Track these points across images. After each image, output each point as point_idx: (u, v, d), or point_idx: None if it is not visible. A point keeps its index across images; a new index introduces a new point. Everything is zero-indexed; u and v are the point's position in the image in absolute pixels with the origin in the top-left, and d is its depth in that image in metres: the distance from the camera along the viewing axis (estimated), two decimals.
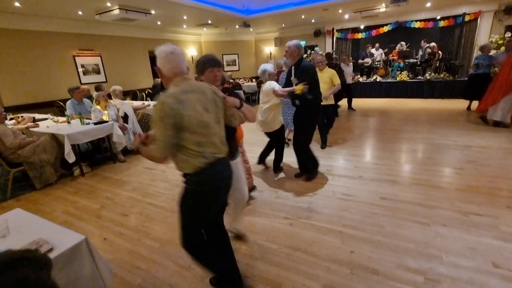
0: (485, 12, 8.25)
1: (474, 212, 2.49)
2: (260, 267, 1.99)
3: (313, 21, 10.01)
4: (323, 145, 4.56)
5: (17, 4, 5.13)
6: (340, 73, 5.76)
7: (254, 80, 11.07)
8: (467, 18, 8.46)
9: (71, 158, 3.76)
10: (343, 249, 2.13)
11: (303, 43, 11.49)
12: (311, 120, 3.16)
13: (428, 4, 8.16)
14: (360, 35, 10.34)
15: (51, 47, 6.62)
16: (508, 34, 7.46)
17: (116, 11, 5.89)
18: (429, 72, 8.71)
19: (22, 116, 4.76)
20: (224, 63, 12.45)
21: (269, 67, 3.35)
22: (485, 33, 8.34)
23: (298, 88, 2.82)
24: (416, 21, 9.16)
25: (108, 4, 5.73)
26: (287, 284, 1.83)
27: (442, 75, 8.47)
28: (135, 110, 5.27)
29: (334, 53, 10.64)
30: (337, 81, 4.22)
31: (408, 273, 1.85)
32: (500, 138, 4.39)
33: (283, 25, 10.78)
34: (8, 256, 0.52)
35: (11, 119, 4.75)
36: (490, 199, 2.69)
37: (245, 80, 10.81)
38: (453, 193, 2.86)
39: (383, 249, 2.09)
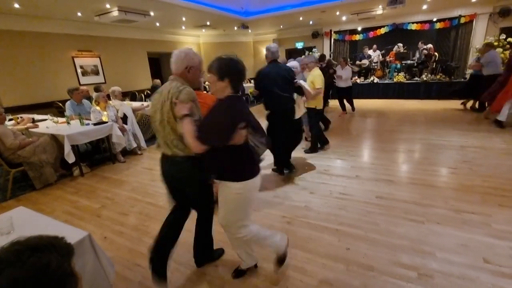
0: (480, 15, 8.37)
1: (467, 210, 2.55)
2: (258, 264, 2.04)
3: (311, 22, 10.10)
4: (309, 150, 4.37)
5: (16, 5, 5.17)
6: (326, 76, 5.81)
7: (252, 81, 11.12)
8: (462, 20, 8.57)
9: (71, 158, 3.79)
10: (340, 247, 2.18)
11: (300, 44, 11.60)
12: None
13: (425, 7, 8.26)
14: (357, 37, 10.44)
15: (50, 48, 6.65)
16: (502, 36, 7.58)
17: (116, 13, 5.93)
18: (425, 74, 8.81)
19: (21, 117, 4.78)
20: None
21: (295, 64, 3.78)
22: (480, 35, 8.46)
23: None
24: (413, 23, 9.27)
25: (108, 6, 5.77)
26: (284, 280, 1.88)
27: (438, 77, 8.58)
28: (134, 111, 5.31)
29: (331, 55, 10.75)
30: (318, 84, 3.86)
31: (402, 269, 1.91)
32: (494, 139, 4.47)
33: (281, 26, 10.86)
34: (37, 239, 0.56)
35: (10, 119, 4.77)
36: (483, 197, 2.75)
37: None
38: (447, 192, 2.92)
39: (378, 246, 2.15)
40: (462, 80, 8.20)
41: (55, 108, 6.48)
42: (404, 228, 2.35)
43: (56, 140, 3.95)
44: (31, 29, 6.21)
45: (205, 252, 2.06)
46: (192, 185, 1.73)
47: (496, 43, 7.46)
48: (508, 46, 7.35)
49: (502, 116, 4.97)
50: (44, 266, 0.51)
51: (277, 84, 3.09)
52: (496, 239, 2.14)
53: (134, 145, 4.85)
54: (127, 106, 5.15)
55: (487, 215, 2.45)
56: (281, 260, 1.84)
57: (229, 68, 1.50)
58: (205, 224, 1.96)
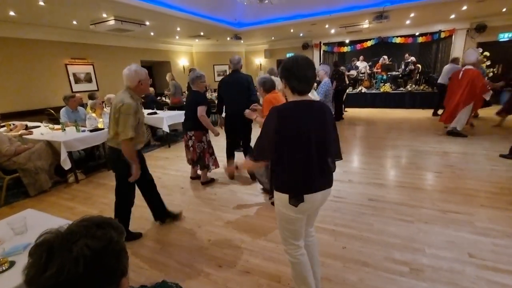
0: (459, 30, 8.95)
1: (452, 210, 2.73)
2: (260, 263, 2.12)
3: (301, 34, 10.47)
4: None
5: (12, 13, 5.17)
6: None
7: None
8: (442, 35, 9.13)
9: (67, 165, 3.78)
10: (336, 245, 2.30)
11: (291, 55, 11.94)
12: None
13: (408, 22, 8.77)
14: (345, 49, 10.89)
15: (43, 55, 6.62)
16: (480, 50, 8.12)
17: (112, 22, 6.00)
18: (410, 84, 9.27)
19: (14, 124, 4.72)
20: (215, 74, 12.69)
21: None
22: (459, 49, 9.01)
23: None
24: (397, 36, 9.78)
25: (104, 15, 5.85)
26: (285, 277, 1.97)
27: (422, 87, 9.04)
28: None
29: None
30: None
31: (395, 265, 2.04)
32: (474, 145, 4.76)
33: (273, 38, 11.19)
34: (100, 218, 0.65)
35: (1, 126, 4.70)
36: (466, 199, 2.95)
37: None
38: (433, 194, 3.11)
39: (372, 244, 2.28)
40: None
41: (46, 115, 6.40)
42: (395, 227, 2.50)
43: (51, 147, 3.93)
44: (24, 36, 6.18)
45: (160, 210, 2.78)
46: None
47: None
48: (485, 59, 7.86)
49: (459, 125, 5.27)
50: (109, 239, 0.60)
51: (235, 90, 3.60)
52: (479, 236, 2.31)
53: None
54: None
55: (470, 214, 2.64)
56: None
57: None
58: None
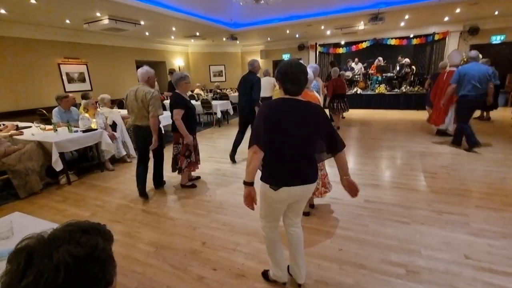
0: (452, 32, 9.06)
1: (448, 211, 2.73)
2: (256, 267, 2.09)
3: (297, 36, 10.49)
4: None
5: (2, 11, 5.06)
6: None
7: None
8: (436, 37, 9.23)
9: (58, 166, 3.70)
10: (332, 247, 2.28)
11: (287, 56, 11.97)
12: None
13: (402, 24, 8.85)
14: (341, 50, 10.93)
15: (35, 55, 6.50)
16: (478, 54, 8.21)
17: (106, 21, 5.93)
18: (404, 86, 9.34)
19: (4, 124, 4.62)
20: (211, 74, 12.64)
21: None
22: None
23: None
24: (392, 38, 9.85)
25: (98, 14, 5.77)
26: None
27: (416, 89, 9.12)
28: (124, 118, 5.26)
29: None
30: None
31: (391, 267, 2.02)
32: None
33: (269, 38, 11.19)
34: (86, 223, 0.61)
35: None
36: (461, 199, 2.96)
37: (232, 90, 11.02)
38: (429, 195, 3.12)
39: (368, 246, 2.26)
40: None
41: (38, 115, 6.28)
42: (391, 228, 2.49)
43: (42, 148, 3.84)
44: (16, 35, 6.07)
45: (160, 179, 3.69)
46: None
47: (465, 59, 8.09)
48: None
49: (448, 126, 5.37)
50: (94, 246, 0.56)
51: (243, 87, 4.37)
52: (474, 237, 2.31)
53: (124, 153, 4.79)
54: (117, 113, 5.10)
55: (465, 215, 2.64)
56: (264, 273, 1.98)
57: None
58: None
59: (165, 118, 5.61)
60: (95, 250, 0.56)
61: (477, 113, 6.74)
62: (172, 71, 6.90)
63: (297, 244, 1.80)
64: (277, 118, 1.52)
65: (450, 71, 5.07)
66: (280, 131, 1.52)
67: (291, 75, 1.52)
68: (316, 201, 3.08)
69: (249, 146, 1.55)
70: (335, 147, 1.66)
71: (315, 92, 2.83)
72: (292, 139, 1.53)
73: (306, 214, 2.74)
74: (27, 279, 0.49)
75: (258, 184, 1.60)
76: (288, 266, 1.91)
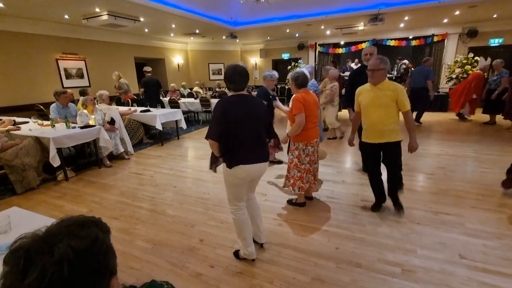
0: (451, 34, 9.10)
1: (444, 211, 2.76)
2: (253, 264, 2.10)
3: (297, 35, 10.49)
4: None
5: (0, 5, 5.01)
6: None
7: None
8: (435, 39, 9.27)
9: (56, 162, 3.68)
10: (329, 246, 2.29)
11: (287, 55, 11.96)
12: None
13: (402, 25, 8.88)
14: (340, 50, 10.95)
15: (33, 50, 6.45)
16: (471, 55, 8.27)
17: (105, 17, 5.89)
18: (404, 86, 9.36)
19: (1, 119, 4.58)
20: (210, 72, 12.61)
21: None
22: (451, 53, 9.17)
23: None
24: (391, 39, 9.88)
25: (97, 10, 5.73)
26: (278, 279, 1.95)
27: None
28: (122, 115, 5.24)
29: (316, 66, 11.17)
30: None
31: (387, 266, 2.04)
32: (465, 148, 4.84)
33: (269, 37, 11.18)
34: (82, 217, 0.61)
35: None
36: (457, 200, 2.99)
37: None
38: (425, 195, 3.14)
39: (365, 245, 2.28)
40: (436, 93, 8.85)
41: (35, 111, 6.24)
42: (388, 228, 2.51)
43: (39, 143, 3.82)
44: (14, 29, 6.02)
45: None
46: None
47: (465, 61, 8.14)
48: (475, 64, 8.01)
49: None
50: (94, 238, 0.57)
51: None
52: (469, 237, 2.34)
53: (122, 149, 4.77)
54: (115, 110, 5.08)
55: (461, 216, 2.67)
56: (235, 253, 2.21)
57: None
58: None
59: (164, 116, 5.62)
60: (96, 242, 0.57)
61: (487, 117, 6.79)
62: (148, 70, 7.08)
63: (255, 211, 2.22)
64: (232, 110, 1.86)
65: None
66: (234, 121, 1.85)
67: (235, 76, 1.90)
68: (314, 200, 3.10)
69: (206, 138, 1.93)
70: (269, 135, 2.18)
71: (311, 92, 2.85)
72: (245, 126, 1.89)
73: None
74: (30, 277, 0.49)
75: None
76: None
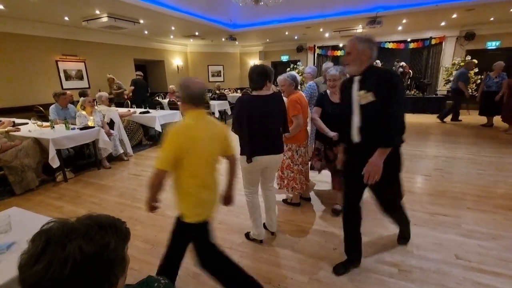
0: (449, 37, 9.18)
1: (440, 213, 2.79)
2: (251, 265, 2.12)
3: (296, 37, 10.55)
4: None
5: (0, 6, 5.04)
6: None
7: (239, 91, 11.34)
8: (433, 42, 9.34)
9: (55, 163, 3.69)
10: (327, 247, 2.31)
11: (286, 57, 12.02)
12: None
13: (400, 28, 8.95)
14: (339, 53, 11.01)
15: (33, 51, 6.47)
16: (468, 58, 8.34)
17: (105, 19, 5.93)
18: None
19: (0, 120, 4.59)
20: (209, 74, 12.65)
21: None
22: (449, 56, 9.24)
23: None
24: (389, 42, 9.96)
25: (97, 12, 5.77)
26: (276, 279, 1.97)
27: (412, 92, 9.22)
28: (121, 116, 5.26)
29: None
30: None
31: (384, 266, 2.06)
32: (462, 150, 4.88)
33: (268, 40, 11.24)
34: (105, 218, 0.61)
35: None
36: (453, 201, 3.01)
37: (230, 90, 11.05)
38: (422, 196, 3.17)
39: (362, 246, 2.29)
40: (434, 96, 8.93)
41: (35, 112, 6.25)
42: (385, 229, 2.53)
43: (39, 144, 3.83)
44: (13, 31, 6.04)
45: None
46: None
47: (462, 64, 8.21)
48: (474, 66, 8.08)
49: None
50: (105, 245, 0.57)
51: None
52: (465, 238, 2.36)
53: (121, 151, 4.79)
54: (114, 111, 5.10)
55: (457, 217, 2.69)
56: (246, 234, 2.46)
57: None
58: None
59: (163, 117, 5.64)
60: (105, 250, 0.57)
61: (484, 120, 6.82)
62: (139, 74, 8.09)
63: (271, 203, 2.40)
64: (249, 109, 2.08)
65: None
66: (250, 118, 2.07)
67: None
68: (312, 200, 3.12)
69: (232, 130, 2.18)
70: (284, 130, 2.33)
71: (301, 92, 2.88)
72: (261, 123, 2.10)
73: None
74: (38, 265, 0.51)
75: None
76: (264, 223, 2.47)
